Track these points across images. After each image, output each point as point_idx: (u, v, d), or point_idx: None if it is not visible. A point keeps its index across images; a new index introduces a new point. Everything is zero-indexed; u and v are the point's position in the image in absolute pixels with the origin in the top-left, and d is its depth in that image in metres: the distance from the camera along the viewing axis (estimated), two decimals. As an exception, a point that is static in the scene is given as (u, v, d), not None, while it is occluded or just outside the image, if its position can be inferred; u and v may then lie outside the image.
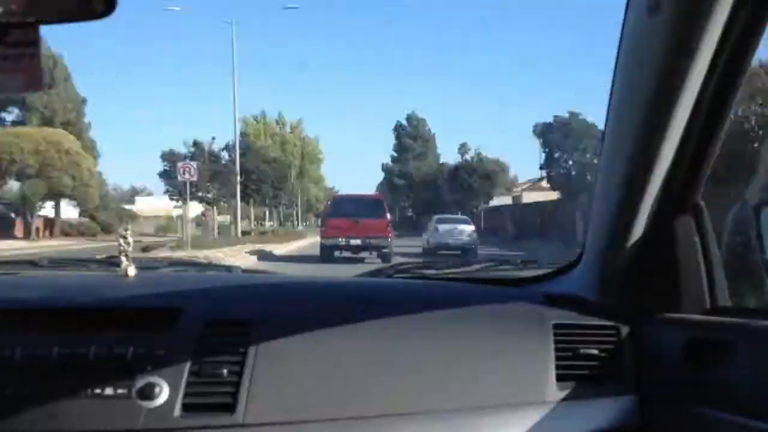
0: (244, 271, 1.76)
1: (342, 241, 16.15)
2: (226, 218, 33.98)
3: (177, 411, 0.97)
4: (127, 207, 48.69)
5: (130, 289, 1.23)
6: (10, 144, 29.33)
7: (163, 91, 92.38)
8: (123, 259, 1.32)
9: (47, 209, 34.38)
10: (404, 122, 54.72)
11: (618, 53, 1.03)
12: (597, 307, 1.19)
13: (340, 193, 32.77)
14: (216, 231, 28.43)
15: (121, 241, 1.32)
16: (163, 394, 0.97)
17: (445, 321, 1.16)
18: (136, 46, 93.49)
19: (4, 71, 0.81)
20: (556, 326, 1.14)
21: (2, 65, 0.81)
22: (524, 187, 43.91)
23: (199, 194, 28.94)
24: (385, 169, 55.80)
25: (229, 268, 1.79)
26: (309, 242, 25.16)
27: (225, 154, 32.69)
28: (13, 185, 32.48)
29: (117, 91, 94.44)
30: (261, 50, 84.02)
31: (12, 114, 35.55)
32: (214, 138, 32.33)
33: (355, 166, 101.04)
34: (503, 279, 1.49)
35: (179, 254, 13.27)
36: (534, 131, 37.68)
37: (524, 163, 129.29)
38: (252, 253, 16.97)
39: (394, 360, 1.07)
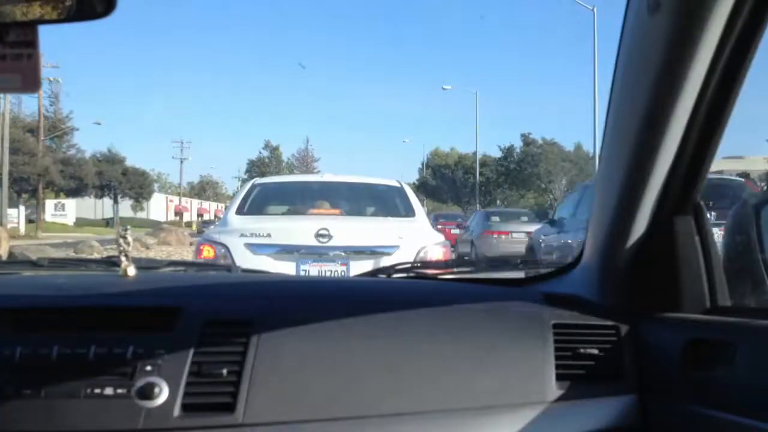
0: (244, 270, 1.76)
1: None
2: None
3: (177, 411, 0.97)
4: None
5: (130, 289, 1.23)
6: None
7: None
8: (123, 259, 1.31)
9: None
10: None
11: (618, 53, 1.03)
12: (597, 306, 1.19)
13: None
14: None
15: (121, 241, 1.32)
16: (163, 394, 0.97)
17: (444, 321, 1.16)
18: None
19: (2, 71, 0.81)
20: (556, 326, 1.14)
21: (0, 65, 0.81)
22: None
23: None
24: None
25: (228, 268, 1.79)
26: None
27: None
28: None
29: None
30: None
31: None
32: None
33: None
34: (503, 279, 1.49)
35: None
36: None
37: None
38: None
39: (394, 360, 1.07)
